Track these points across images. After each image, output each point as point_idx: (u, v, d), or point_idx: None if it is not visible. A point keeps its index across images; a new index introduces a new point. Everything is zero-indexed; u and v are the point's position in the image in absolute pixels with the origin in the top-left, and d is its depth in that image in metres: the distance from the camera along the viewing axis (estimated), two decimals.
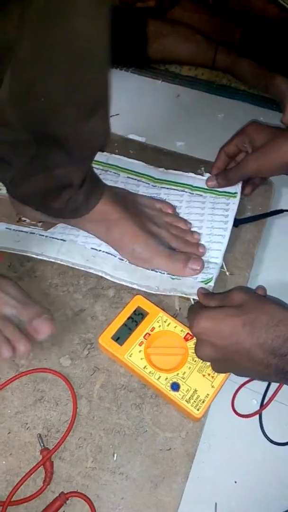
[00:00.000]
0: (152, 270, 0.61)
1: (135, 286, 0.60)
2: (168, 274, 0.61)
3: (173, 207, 0.66)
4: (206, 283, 0.59)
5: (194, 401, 0.50)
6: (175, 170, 0.72)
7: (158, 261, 0.60)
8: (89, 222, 0.59)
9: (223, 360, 0.48)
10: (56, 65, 0.40)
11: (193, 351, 0.52)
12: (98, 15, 0.39)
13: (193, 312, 0.50)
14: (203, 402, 0.50)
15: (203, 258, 0.61)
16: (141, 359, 0.52)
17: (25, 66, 0.40)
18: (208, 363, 0.52)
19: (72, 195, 0.54)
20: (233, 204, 0.66)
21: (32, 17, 0.37)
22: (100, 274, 0.60)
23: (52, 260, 0.61)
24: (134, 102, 0.88)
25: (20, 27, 0.37)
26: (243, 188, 0.68)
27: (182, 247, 0.62)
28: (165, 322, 0.55)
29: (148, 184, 0.70)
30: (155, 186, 0.69)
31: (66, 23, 0.38)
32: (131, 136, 0.79)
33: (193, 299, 0.58)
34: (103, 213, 0.58)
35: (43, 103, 0.43)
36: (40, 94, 0.42)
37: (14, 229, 0.64)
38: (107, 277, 0.60)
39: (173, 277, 0.60)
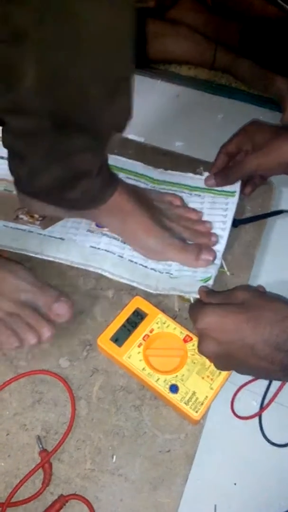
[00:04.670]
0: (151, 269, 0.61)
1: (135, 284, 0.59)
2: (167, 272, 0.60)
3: (181, 199, 0.65)
4: (205, 282, 0.59)
5: (193, 403, 0.50)
6: (173, 170, 0.71)
7: (171, 254, 0.60)
8: (104, 213, 0.59)
9: (226, 357, 0.48)
10: (83, 46, 0.39)
11: (192, 353, 0.52)
12: None
13: (196, 308, 0.49)
14: (202, 404, 0.50)
15: None
16: (140, 360, 0.52)
17: (50, 52, 0.39)
18: (208, 364, 0.52)
19: (89, 184, 0.53)
20: (232, 203, 0.66)
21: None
22: (99, 271, 0.60)
23: (51, 259, 0.61)
24: (134, 102, 0.88)
25: (40, 10, 0.36)
26: (243, 187, 0.67)
27: (194, 238, 0.62)
28: (164, 323, 0.55)
29: (147, 185, 0.69)
30: (153, 187, 0.69)
31: (92, 3, 0.37)
32: (130, 136, 0.78)
33: (193, 298, 0.58)
34: (118, 204, 0.58)
35: (72, 86, 0.42)
36: (68, 77, 0.41)
37: (12, 227, 0.63)
38: (107, 274, 0.60)
39: (172, 276, 0.60)
